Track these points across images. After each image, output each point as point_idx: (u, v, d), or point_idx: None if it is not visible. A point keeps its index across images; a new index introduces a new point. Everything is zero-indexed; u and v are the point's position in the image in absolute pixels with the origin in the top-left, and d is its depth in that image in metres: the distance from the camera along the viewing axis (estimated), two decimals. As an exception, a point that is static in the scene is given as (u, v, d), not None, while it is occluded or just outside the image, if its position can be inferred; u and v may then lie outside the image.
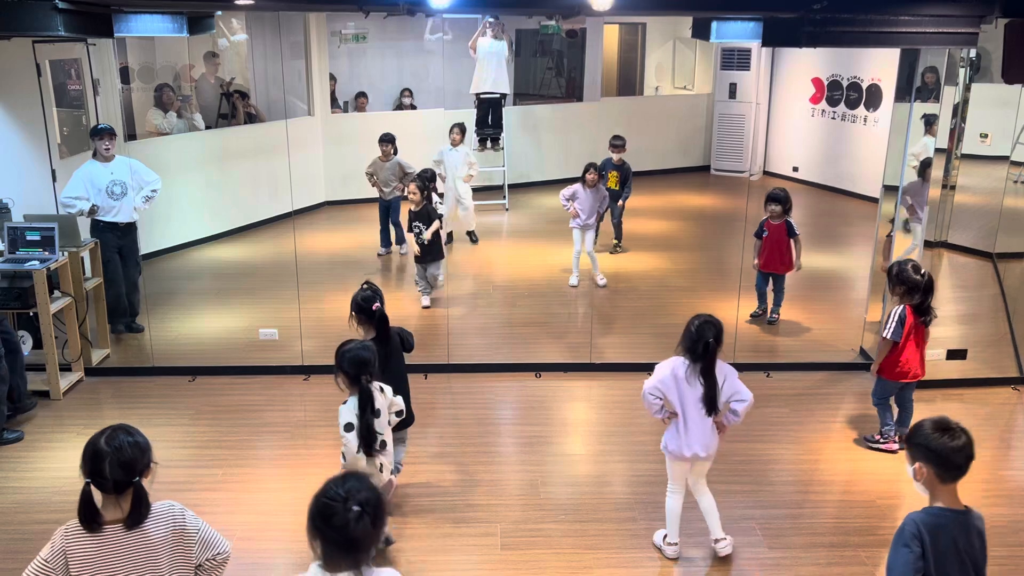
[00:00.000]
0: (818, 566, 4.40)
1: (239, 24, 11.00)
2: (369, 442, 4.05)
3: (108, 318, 7.00)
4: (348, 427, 4.02)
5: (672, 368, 4.23)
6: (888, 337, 5.30)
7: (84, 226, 7.03)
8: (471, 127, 11.32)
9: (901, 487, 5.13)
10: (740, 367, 6.56)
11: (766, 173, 13.88)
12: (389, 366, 4.61)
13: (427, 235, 7.65)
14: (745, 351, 6.87)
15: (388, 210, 9.32)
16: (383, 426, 4.15)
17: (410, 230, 7.74)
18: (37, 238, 6.11)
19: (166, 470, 5.18)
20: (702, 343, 4.11)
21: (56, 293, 6.20)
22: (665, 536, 4.48)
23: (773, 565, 4.40)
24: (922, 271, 5.26)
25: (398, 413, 4.29)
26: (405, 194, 8.16)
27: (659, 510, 4.80)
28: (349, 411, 4.04)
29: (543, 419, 6.02)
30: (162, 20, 6.17)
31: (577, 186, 8.33)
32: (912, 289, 5.24)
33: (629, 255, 9.38)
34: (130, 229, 7.14)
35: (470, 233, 9.93)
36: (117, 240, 7.02)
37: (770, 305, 7.58)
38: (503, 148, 11.45)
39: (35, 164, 7.35)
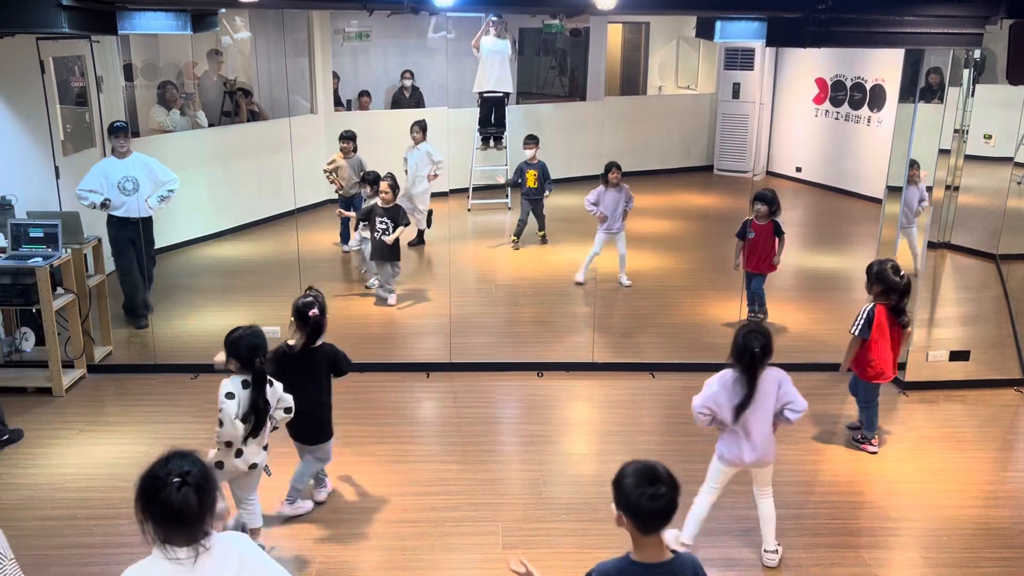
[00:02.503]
0: (820, 567, 4.40)
1: (242, 22, 11.00)
2: (258, 424, 4.13)
3: (125, 310, 7.22)
4: (229, 395, 4.10)
5: (721, 383, 4.20)
6: (856, 335, 5.30)
7: (102, 218, 7.15)
8: (474, 126, 11.33)
9: (904, 488, 5.13)
10: (742, 367, 6.62)
11: (769, 173, 13.87)
12: (306, 377, 4.57)
13: (392, 237, 7.71)
14: (747, 351, 6.85)
15: (349, 207, 9.36)
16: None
17: (367, 224, 7.81)
18: (40, 235, 6.11)
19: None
20: (748, 353, 4.10)
21: (59, 290, 6.21)
22: (678, 535, 4.38)
23: (775, 565, 4.39)
24: (901, 273, 5.26)
25: (287, 410, 4.31)
26: (361, 192, 8.29)
27: (661, 510, 4.80)
28: (231, 383, 4.14)
29: (545, 418, 6.02)
30: (166, 17, 6.15)
31: (600, 188, 8.26)
32: (889, 289, 5.24)
33: (632, 255, 9.36)
34: (143, 225, 7.23)
35: (420, 232, 9.81)
36: (130, 234, 7.16)
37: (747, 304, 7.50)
38: (506, 147, 11.45)
39: (38, 161, 7.35)
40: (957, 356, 6.43)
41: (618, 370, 6.63)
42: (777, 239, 7.21)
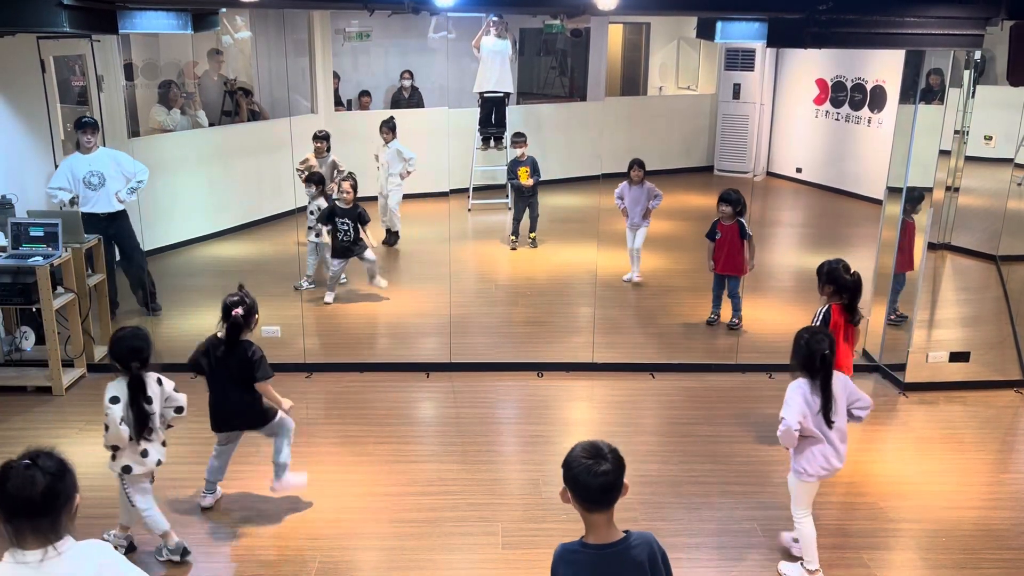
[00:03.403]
0: (820, 567, 4.39)
1: (243, 21, 11.00)
2: (139, 427, 4.09)
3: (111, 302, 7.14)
4: (114, 400, 4.04)
5: (802, 394, 4.09)
6: None
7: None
8: (475, 126, 11.34)
9: (903, 489, 5.13)
10: (743, 368, 6.63)
11: (769, 174, 13.88)
12: (227, 373, 4.56)
13: (371, 245, 7.83)
14: (747, 352, 6.86)
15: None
16: (155, 417, 4.17)
17: (328, 222, 7.79)
18: (40, 234, 6.11)
19: (169, 468, 5.19)
20: (818, 356, 4.02)
21: (59, 289, 6.21)
22: (803, 562, 4.29)
23: (776, 566, 4.39)
24: (852, 271, 5.28)
25: (177, 410, 4.27)
26: (307, 191, 8.24)
27: (661, 510, 4.81)
28: (116, 386, 4.08)
29: (545, 418, 6.02)
30: (167, 17, 6.16)
31: (624, 184, 8.35)
32: (841, 288, 5.25)
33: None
34: (115, 219, 7.17)
35: (394, 233, 9.75)
36: (103, 230, 7.09)
37: (728, 311, 7.43)
38: (506, 147, 11.45)
39: (39, 160, 7.36)
40: (957, 357, 6.44)
41: (618, 370, 6.64)
42: (745, 241, 7.14)
